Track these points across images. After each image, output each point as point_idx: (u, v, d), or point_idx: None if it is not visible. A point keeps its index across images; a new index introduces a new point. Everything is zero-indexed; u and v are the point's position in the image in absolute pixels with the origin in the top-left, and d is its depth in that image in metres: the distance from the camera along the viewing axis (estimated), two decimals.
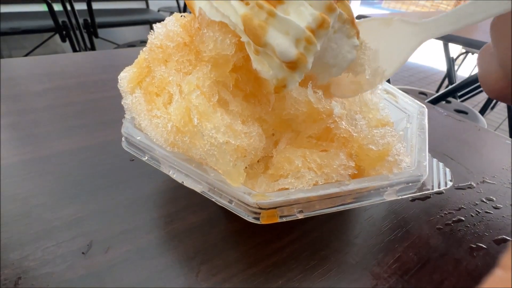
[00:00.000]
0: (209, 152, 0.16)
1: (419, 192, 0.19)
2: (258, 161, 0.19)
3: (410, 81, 2.33)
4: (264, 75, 0.18)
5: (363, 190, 0.17)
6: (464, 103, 1.25)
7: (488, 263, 0.23)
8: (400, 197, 0.18)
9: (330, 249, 0.23)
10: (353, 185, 0.17)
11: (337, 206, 0.17)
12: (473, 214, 0.27)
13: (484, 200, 0.29)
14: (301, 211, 0.16)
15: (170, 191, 0.28)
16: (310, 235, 0.24)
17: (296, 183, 0.16)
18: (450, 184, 0.20)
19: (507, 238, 0.25)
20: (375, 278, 0.21)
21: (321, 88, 0.18)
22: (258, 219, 0.16)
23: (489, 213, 0.28)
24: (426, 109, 0.26)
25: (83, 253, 0.21)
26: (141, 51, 0.23)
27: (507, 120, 1.49)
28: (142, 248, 0.22)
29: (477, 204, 0.29)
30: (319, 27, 0.16)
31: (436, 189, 0.19)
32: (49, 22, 1.35)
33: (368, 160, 0.18)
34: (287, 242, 0.23)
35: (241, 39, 0.18)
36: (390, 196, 0.18)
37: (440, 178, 0.20)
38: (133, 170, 0.29)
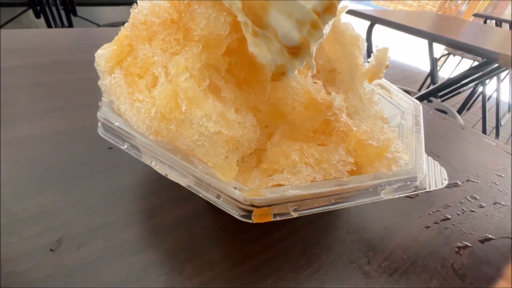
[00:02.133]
0: (197, 143, 0.14)
1: (416, 191, 0.18)
2: (250, 154, 0.18)
3: (394, 79, 2.39)
4: (261, 60, 0.16)
5: (361, 187, 0.16)
6: (444, 103, 1.30)
7: (474, 261, 0.23)
8: (398, 196, 0.17)
9: (320, 247, 0.22)
10: (352, 182, 0.16)
11: (334, 204, 0.16)
12: (459, 213, 0.28)
13: (469, 198, 0.30)
14: (296, 210, 0.15)
15: (152, 182, 0.26)
16: (300, 232, 0.23)
17: (292, 179, 0.15)
18: (445, 183, 0.20)
19: (492, 237, 0.26)
20: (366, 277, 0.20)
21: (321, 79, 0.17)
22: (249, 217, 0.15)
23: (474, 211, 0.28)
24: (421, 106, 0.26)
25: (51, 250, 0.19)
26: (122, 27, 0.20)
27: (481, 120, 1.56)
28: (119, 245, 0.20)
29: (462, 202, 0.29)
30: (326, 11, 0.15)
31: (432, 188, 0.19)
32: None
33: (366, 156, 0.17)
34: (276, 239, 0.22)
35: (237, 19, 0.16)
36: (387, 195, 0.17)
37: (436, 177, 0.20)
38: (111, 159, 0.27)
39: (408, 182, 0.17)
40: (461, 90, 1.43)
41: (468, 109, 2.08)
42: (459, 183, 0.32)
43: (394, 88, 0.29)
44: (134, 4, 0.19)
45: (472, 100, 1.81)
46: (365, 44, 0.26)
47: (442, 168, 0.21)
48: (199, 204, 0.24)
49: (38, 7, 1.27)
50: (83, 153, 0.27)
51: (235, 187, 0.15)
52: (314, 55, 0.16)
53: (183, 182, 0.16)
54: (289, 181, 0.15)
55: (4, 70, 0.40)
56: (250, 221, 0.15)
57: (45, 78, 0.40)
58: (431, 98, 1.29)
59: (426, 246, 0.24)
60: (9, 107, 0.32)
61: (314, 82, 0.17)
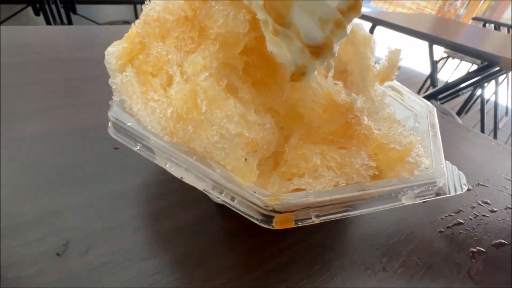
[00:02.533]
0: (217, 145, 0.14)
1: (436, 196, 0.17)
2: (266, 157, 0.17)
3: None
4: (281, 59, 0.15)
5: (382, 192, 0.15)
6: (444, 105, 1.30)
7: (489, 268, 0.23)
8: (418, 201, 0.17)
9: (333, 252, 0.22)
10: (374, 187, 0.15)
11: (355, 210, 0.15)
12: (471, 217, 0.27)
13: (481, 203, 0.29)
14: (317, 215, 0.14)
15: (159, 185, 0.25)
16: (312, 237, 0.23)
17: (314, 184, 0.14)
18: (465, 188, 0.19)
19: (505, 242, 0.25)
20: (382, 283, 0.20)
21: (341, 80, 0.17)
22: (269, 222, 0.14)
23: (486, 216, 0.28)
24: (435, 109, 0.25)
25: (58, 254, 0.18)
26: (133, 24, 0.20)
27: (479, 123, 1.57)
28: (128, 249, 0.19)
29: (474, 207, 0.29)
30: (350, 10, 0.14)
31: (453, 193, 0.18)
32: None
33: (387, 160, 0.17)
34: (288, 244, 0.22)
35: (257, 17, 0.15)
36: (408, 200, 0.16)
37: (455, 181, 0.19)
38: (116, 160, 0.26)
39: (430, 187, 0.17)
40: (460, 93, 1.44)
41: (466, 112, 2.09)
42: (470, 187, 0.31)
43: (405, 90, 0.29)
44: (146, 1, 0.19)
45: (471, 103, 1.82)
46: (376, 45, 0.25)
47: (461, 172, 0.21)
48: (208, 208, 0.23)
49: (38, 5, 1.25)
50: (87, 153, 0.26)
51: (254, 191, 0.14)
52: (336, 55, 0.15)
53: (199, 185, 0.15)
54: (311, 186, 0.14)
55: (4, 66, 0.39)
56: (271, 227, 0.14)
57: (45, 76, 0.39)
58: (431, 101, 1.29)
59: (440, 252, 0.23)
60: (9, 105, 0.31)
61: (334, 83, 0.16)
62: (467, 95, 1.76)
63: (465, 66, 2.03)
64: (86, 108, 0.33)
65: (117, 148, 0.27)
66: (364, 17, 1.19)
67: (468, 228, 0.26)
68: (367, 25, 1.24)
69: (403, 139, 0.16)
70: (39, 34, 0.52)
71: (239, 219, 0.15)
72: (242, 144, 0.13)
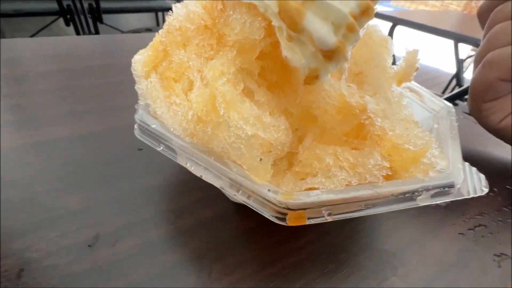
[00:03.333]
0: (234, 145, 0.14)
1: (453, 198, 0.17)
2: (281, 158, 0.18)
3: (416, 81, 2.30)
4: (295, 63, 0.16)
5: (397, 193, 0.16)
6: None
7: None
8: (434, 202, 0.17)
9: (348, 253, 0.22)
10: (386, 187, 0.15)
11: (368, 209, 0.16)
12: (495, 222, 0.26)
13: (506, 208, 0.28)
14: (330, 214, 0.15)
15: (180, 183, 0.26)
16: (327, 237, 0.23)
17: (327, 183, 0.15)
18: (485, 191, 0.19)
19: None
20: (396, 285, 0.20)
21: (356, 81, 0.17)
22: (283, 219, 0.15)
23: None
24: (454, 109, 0.25)
25: (89, 245, 0.20)
26: (156, 34, 0.21)
27: None
28: (151, 243, 0.21)
29: (500, 211, 0.27)
30: (363, 14, 0.15)
31: (471, 195, 0.18)
32: (53, 5, 1.32)
33: (401, 161, 0.17)
34: (303, 243, 0.22)
35: (272, 23, 0.16)
36: (424, 201, 0.16)
37: (475, 184, 0.19)
38: (141, 160, 0.28)
39: (446, 189, 0.17)
40: None
41: None
42: (496, 190, 0.30)
43: (424, 90, 0.28)
44: (170, 11, 0.20)
45: None
46: (394, 46, 0.25)
47: (481, 174, 0.20)
48: (226, 206, 0.24)
49: (68, 16, 1.35)
50: (114, 154, 0.28)
51: (269, 190, 0.15)
52: (349, 58, 0.16)
53: (217, 183, 0.16)
54: (324, 185, 0.15)
55: (40, 74, 0.42)
56: (284, 224, 0.15)
57: (76, 82, 0.42)
58: (457, 101, 1.23)
59: (461, 255, 0.23)
60: (45, 109, 0.34)
61: (348, 86, 0.17)
62: None
63: None
64: (112, 112, 0.35)
65: (141, 149, 0.29)
66: (383, 17, 1.16)
67: (491, 232, 0.25)
68: (387, 25, 1.21)
69: (417, 140, 0.16)
70: (69, 44, 0.56)
71: (256, 217, 0.16)
72: (257, 145, 0.14)
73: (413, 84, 0.29)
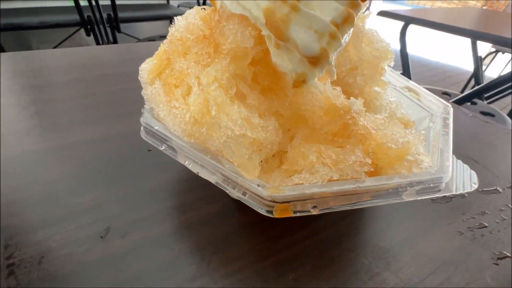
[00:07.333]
0: (225, 144, 0.16)
1: (441, 194, 0.18)
2: (273, 156, 0.19)
3: (433, 80, 2.22)
4: (283, 69, 0.17)
5: (380, 188, 0.16)
6: (491, 105, 1.19)
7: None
8: (420, 198, 0.17)
9: (342, 249, 0.23)
10: (369, 182, 0.16)
11: (353, 203, 0.17)
12: (497, 220, 0.26)
13: (510, 206, 0.28)
14: (315, 207, 0.16)
15: (185, 181, 0.28)
16: (322, 233, 0.24)
17: (310, 178, 0.16)
18: (474, 187, 0.19)
19: None
20: (390, 281, 0.20)
21: (340, 85, 0.18)
22: (271, 212, 0.16)
23: None
24: (452, 108, 0.25)
25: (101, 237, 0.22)
26: (161, 43, 0.23)
27: None
28: (156, 236, 0.23)
29: (502, 210, 0.27)
30: (344, 22, 0.16)
31: (459, 192, 0.18)
32: (75, 17, 1.40)
33: (386, 158, 0.18)
34: (298, 238, 0.23)
35: (261, 33, 0.17)
36: (409, 197, 0.17)
37: (464, 180, 0.19)
38: (150, 160, 0.30)
39: (432, 185, 0.17)
40: (511, 90, 1.30)
41: None
42: (500, 189, 0.30)
43: (422, 90, 0.28)
44: (172, 23, 0.22)
45: None
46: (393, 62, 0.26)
47: (473, 171, 0.20)
48: (226, 203, 0.26)
49: (89, 26, 1.43)
50: (127, 155, 0.31)
51: (258, 185, 0.16)
52: (334, 63, 0.17)
53: (212, 179, 0.17)
54: (307, 180, 0.16)
55: (62, 84, 0.46)
56: (272, 216, 0.16)
57: (94, 90, 0.45)
58: (476, 100, 1.19)
59: (458, 253, 0.23)
60: (65, 116, 0.38)
61: (333, 88, 0.18)
62: None
63: None
64: (125, 116, 0.38)
65: (150, 150, 0.31)
66: (395, 16, 1.14)
67: (492, 232, 0.25)
68: (399, 24, 1.19)
69: (401, 138, 0.17)
70: (88, 54, 0.60)
71: (254, 214, 0.17)
72: (246, 144, 0.16)
73: (411, 84, 0.29)
